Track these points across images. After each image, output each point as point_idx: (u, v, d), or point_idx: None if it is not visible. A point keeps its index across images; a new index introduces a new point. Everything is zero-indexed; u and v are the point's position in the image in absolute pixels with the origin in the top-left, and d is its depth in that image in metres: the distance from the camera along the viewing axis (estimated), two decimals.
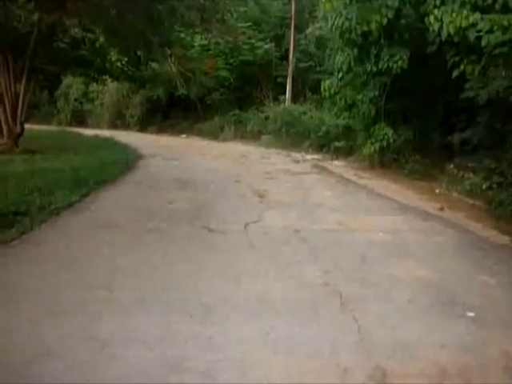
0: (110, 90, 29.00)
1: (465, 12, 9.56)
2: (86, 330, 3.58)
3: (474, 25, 9.34)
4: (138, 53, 16.65)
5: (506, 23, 8.74)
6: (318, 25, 20.39)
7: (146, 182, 10.53)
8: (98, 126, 28.94)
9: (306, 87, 22.77)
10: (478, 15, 9.37)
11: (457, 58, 10.10)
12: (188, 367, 3.14)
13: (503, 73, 8.74)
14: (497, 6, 9.28)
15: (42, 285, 4.41)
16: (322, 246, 6.09)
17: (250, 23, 23.87)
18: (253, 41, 23.74)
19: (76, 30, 16.62)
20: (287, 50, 23.63)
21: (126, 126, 28.68)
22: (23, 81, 15.05)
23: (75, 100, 31.47)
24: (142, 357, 3.23)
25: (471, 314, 4.06)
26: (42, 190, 7.79)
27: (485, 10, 9.48)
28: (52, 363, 3.12)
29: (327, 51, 17.49)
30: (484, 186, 8.42)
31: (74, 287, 4.37)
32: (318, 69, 21.42)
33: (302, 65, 23.30)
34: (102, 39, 16.75)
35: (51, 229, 6.40)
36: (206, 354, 3.30)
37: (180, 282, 4.60)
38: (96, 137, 20.17)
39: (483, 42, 9.06)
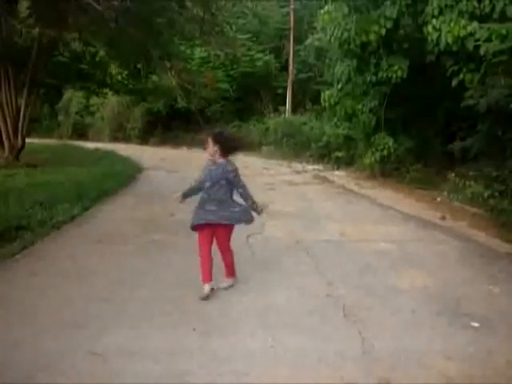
0: (110, 103, 29.13)
1: (463, 21, 9.62)
2: (89, 343, 3.55)
3: (472, 34, 9.39)
4: (138, 66, 16.71)
5: (504, 32, 8.78)
6: (317, 36, 20.48)
7: (147, 195, 10.52)
8: (98, 139, 29.04)
9: (306, 98, 22.87)
10: (476, 24, 9.41)
11: (456, 67, 10.14)
12: (192, 381, 3.12)
13: (502, 81, 8.76)
14: (495, 15, 9.33)
15: (44, 299, 4.40)
16: (325, 256, 6.07)
17: (249, 35, 24.06)
18: (252, 52, 23.91)
19: (76, 43, 16.72)
20: (287, 61, 23.79)
21: (126, 139, 28.78)
22: (24, 95, 15.13)
23: (76, 113, 31.62)
24: (147, 370, 3.21)
25: (476, 324, 4.03)
26: (43, 204, 7.79)
27: (483, 19, 9.53)
28: (54, 378, 3.10)
29: (326, 62, 17.54)
30: (485, 195, 8.40)
31: (76, 301, 4.36)
32: (317, 79, 21.51)
33: (301, 76, 23.43)
34: (102, 53, 16.86)
35: (53, 243, 6.39)
36: (211, 366, 3.28)
37: (183, 294, 4.58)
38: (97, 150, 20.23)
39: (482, 51, 9.09)
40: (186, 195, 5.06)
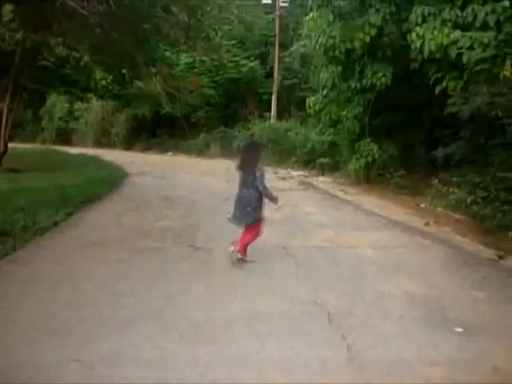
0: (95, 108, 28.96)
1: (446, 29, 9.75)
2: (75, 351, 3.50)
3: (455, 42, 9.53)
4: (123, 71, 16.65)
5: (486, 40, 8.93)
6: (302, 42, 20.62)
7: (132, 201, 10.46)
8: (83, 144, 28.84)
9: (291, 104, 22.97)
10: (458, 33, 9.56)
11: (439, 75, 10.27)
12: None
13: (484, 89, 8.88)
14: (477, 24, 9.47)
15: (27, 306, 4.33)
16: (311, 262, 6.08)
17: (234, 41, 24.14)
18: (238, 59, 23.98)
19: (61, 48, 16.61)
20: (272, 68, 23.88)
21: (111, 145, 28.62)
22: (7, 99, 14.96)
23: (60, 118, 31.35)
24: (133, 377, 3.17)
25: (461, 330, 4.06)
26: (26, 210, 7.69)
27: (465, 28, 9.67)
28: None
29: (312, 68, 17.71)
30: (468, 201, 8.48)
31: (61, 308, 4.30)
32: (302, 86, 21.63)
33: (286, 82, 23.53)
34: (86, 58, 16.77)
35: (36, 249, 6.29)
36: (197, 373, 3.26)
37: (168, 301, 4.54)
38: (81, 155, 20.07)
39: (464, 59, 9.23)
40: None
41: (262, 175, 5.86)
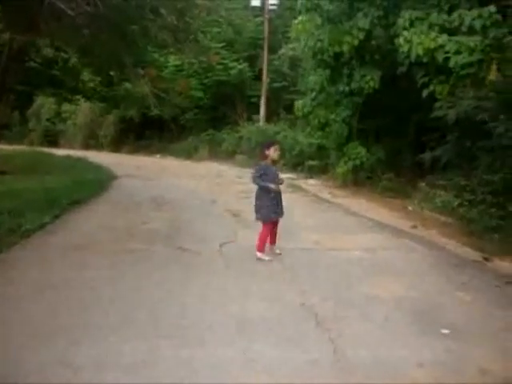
0: (82, 109, 28.82)
1: (433, 34, 9.83)
2: (61, 355, 3.47)
3: (442, 46, 9.61)
4: (111, 73, 16.58)
5: (472, 45, 9.02)
6: (290, 45, 20.72)
7: (119, 203, 10.41)
8: (70, 146, 28.68)
9: (280, 107, 23.01)
10: (445, 37, 9.64)
11: (426, 79, 10.35)
12: None
13: (471, 93, 8.97)
14: (463, 29, 9.57)
15: (13, 309, 4.28)
16: (298, 265, 6.08)
17: (223, 44, 24.14)
18: (226, 61, 23.97)
19: (48, 49, 16.51)
20: (261, 70, 23.90)
21: (99, 147, 28.49)
22: None
23: (47, 120, 31.17)
24: (119, 381, 3.15)
25: (448, 331, 4.09)
26: (12, 212, 7.60)
27: (452, 33, 9.76)
28: None
29: (300, 71, 17.78)
30: (455, 204, 8.56)
31: (46, 311, 4.26)
32: (291, 89, 21.68)
33: (275, 85, 23.57)
34: (74, 59, 16.68)
35: (22, 252, 6.24)
36: (184, 377, 3.24)
37: (156, 304, 4.52)
38: (69, 157, 19.94)
39: (451, 63, 9.32)
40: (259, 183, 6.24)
41: (253, 172, 6.34)
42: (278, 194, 6.29)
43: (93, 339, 3.74)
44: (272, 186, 6.16)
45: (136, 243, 6.79)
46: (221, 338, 3.86)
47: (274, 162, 6.34)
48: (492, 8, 9.24)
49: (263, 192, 6.24)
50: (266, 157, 6.25)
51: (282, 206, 6.37)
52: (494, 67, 8.80)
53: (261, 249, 6.21)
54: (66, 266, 5.68)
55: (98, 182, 12.70)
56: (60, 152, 22.42)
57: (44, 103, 30.03)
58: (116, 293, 4.79)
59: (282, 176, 6.68)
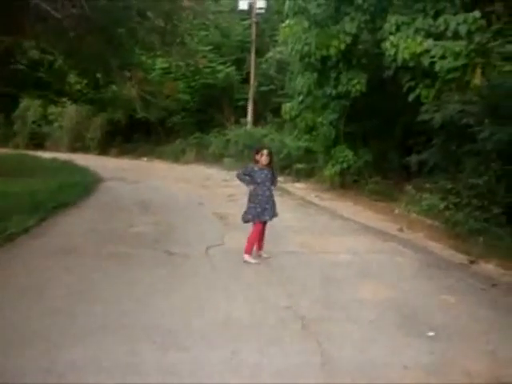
0: (69, 112, 28.61)
1: (419, 38, 9.90)
2: (44, 358, 3.44)
3: (427, 51, 9.67)
4: (98, 75, 16.48)
5: (457, 49, 9.10)
6: (278, 49, 20.73)
7: (106, 206, 10.35)
8: (56, 149, 28.43)
9: (267, 110, 22.98)
10: (431, 42, 9.71)
11: (412, 83, 10.41)
12: None
13: (456, 97, 9.05)
14: (449, 34, 9.65)
15: None
16: (285, 268, 6.08)
17: (211, 47, 24.08)
18: (214, 64, 23.91)
19: (34, 51, 16.37)
20: (248, 74, 23.88)
21: (85, 149, 28.29)
22: None
23: (33, 122, 30.90)
24: None
25: (433, 334, 4.11)
26: None
27: (438, 37, 9.84)
28: None
29: (288, 75, 17.78)
30: (441, 207, 8.61)
31: (31, 315, 4.21)
32: (278, 92, 21.67)
33: (263, 88, 23.56)
34: (60, 61, 16.55)
35: (6, 255, 6.17)
36: (169, 380, 3.22)
37: (142, 308, 4.50)
38: (55, 160, 19.77)
39: (437, 68, 9.39)
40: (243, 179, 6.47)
41: (240, 170, 6.62)
42: (267, 197, 6.33)
43: (75, 343, 3.70)
44: (251, 186, 6.34)
45: (122, 247, 6.74)
46: (206, 341, 3.85)
47: (268, 166, 6.40)
48: (477, 13, 9.33)
49: (251, 194, 6.35)
50: (256, 161, 6.38)
51: (272, 209, 6.40)
52: (478, 72, 8.89)
53: (248, 251, 6.23)
54: (49, 269, 5.63)
55: (85, 185, 12.60)
56: (46, 155, 22.23)
57: (30, 106, 29.77)
58: (100, 296, 4.76)
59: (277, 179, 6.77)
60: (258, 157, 6.36)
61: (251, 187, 6.32)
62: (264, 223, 6.43)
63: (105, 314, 4.30)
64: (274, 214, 6.44)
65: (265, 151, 6.38)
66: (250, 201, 6.38)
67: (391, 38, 10.33)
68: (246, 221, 6.41)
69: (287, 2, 12.32)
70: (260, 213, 6.29)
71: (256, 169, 6.37)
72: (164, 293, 4.96)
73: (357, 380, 3.33)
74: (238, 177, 6.47)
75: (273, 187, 6.49)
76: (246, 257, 6.19)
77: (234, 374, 3.36)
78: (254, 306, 4.68)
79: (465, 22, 9.39)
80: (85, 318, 4.20)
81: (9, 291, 4.84)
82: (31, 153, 24.11)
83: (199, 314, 4.41)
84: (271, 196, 6.41)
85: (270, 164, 6.41)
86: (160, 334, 3.94)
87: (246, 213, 6.38)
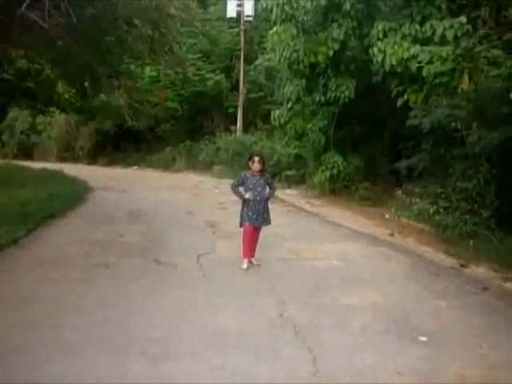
0: (58, 121, 28.45)
1: (406, 44, 9.98)
2: (30, 371, 3.38)
3: (415, 56, 9.75)
4: (86, 84, 16.38)
5: (444, 54, 9.16)
6: (266, 56, 20.76)
7: (95, 216, 10.26)
8: (45, 159, 28.22)
9: (257, 117, 23.02)
10: (418, 47, 9.78)
11: (400, 88, 10.48)
12: None
13: (444, 101, 9.10)
14: (435, 39, 9.73)
15: None
16: (276, 275, 6.06)
17: (199, 55, 24.06)
18: (203, 72, 23.90)
19: (22, 60, 16.26)
20: (237, 81, 23.92)
21: (75, 159, 28.13)
22: None
23: (21, 132, 30.68)
24: None
25: (424, 339, 4.10)
26: None
27: (424, 43, 9.92)
28: None
29: (277, 82, 17.82)
30: (431, 211, 8.63)
31: (18, 327, 4.15)
32: (268, 99, 21.70)
33: (252, 95, 23.59)
34: (48, 70, 16.45)
35: None
36: None
37: (131, 318, 4.44)
38: (44, 170, 19.58)
39: (424, 73, 9.45)
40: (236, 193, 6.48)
41: (234, 180, 6.60)
42: (258, 202, 6.32)
43: (62, 355, 3.64)
44: (246, 195, 6.33)
45: (111, 257, 6.68)
46: (197, 350, 3.80)
47: (261, 172, 6.42)
48: (463, 19, 9.43)
49: (244, 199, 6.40)
50: (249, 168, 6.43)
51: (265, 215, 6.43)
52: (465, 76, 8.94)
53: (243, 254, 6.32)
54: (36, 280, 5.55)
55: (74, 195, 12.50)
56: (35, 165, 22.04)
57: (18, 116, 29.57)
58: (87, 307, 4.69)
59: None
60: (250, 163, 6.40)
61: (246, 196, 6.34)
62: (257, 230, 6.41)
63: (90, 325, 4.23)
64: (265, 221, 6.44)
65: (256, 158, 6.40)
66: (242, 206, 6.43)
67: (378, 44, 10.40)
68: (241, 226, 6.43)
69: (274, 10, 12.35)
70: (251, 217, 6.29)
71: (248, 175, 6.41)
72: (152, 302, 4.91)
73: None
74: (232, 189, 6.48)
75: (268, 195, 6.49)
76: (242, 259, 6.32)
77: (226, 383, 3.32)
78: (245, 313, 4.65)
79: (451, 27, 9.49)
80: (71, 330, 4.13)
81: None
82: (20, 163, 23.90)
83: (189, 324, 4.36)
84: (263, 201, 6.39)
85: (262, 170, 6.43)
86: (148, 345, 3.88)
87: (240, 217, 6.44)
